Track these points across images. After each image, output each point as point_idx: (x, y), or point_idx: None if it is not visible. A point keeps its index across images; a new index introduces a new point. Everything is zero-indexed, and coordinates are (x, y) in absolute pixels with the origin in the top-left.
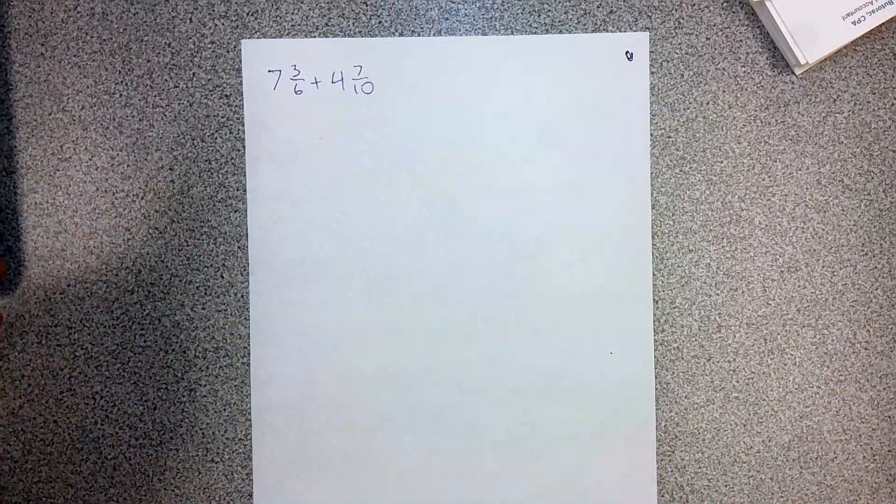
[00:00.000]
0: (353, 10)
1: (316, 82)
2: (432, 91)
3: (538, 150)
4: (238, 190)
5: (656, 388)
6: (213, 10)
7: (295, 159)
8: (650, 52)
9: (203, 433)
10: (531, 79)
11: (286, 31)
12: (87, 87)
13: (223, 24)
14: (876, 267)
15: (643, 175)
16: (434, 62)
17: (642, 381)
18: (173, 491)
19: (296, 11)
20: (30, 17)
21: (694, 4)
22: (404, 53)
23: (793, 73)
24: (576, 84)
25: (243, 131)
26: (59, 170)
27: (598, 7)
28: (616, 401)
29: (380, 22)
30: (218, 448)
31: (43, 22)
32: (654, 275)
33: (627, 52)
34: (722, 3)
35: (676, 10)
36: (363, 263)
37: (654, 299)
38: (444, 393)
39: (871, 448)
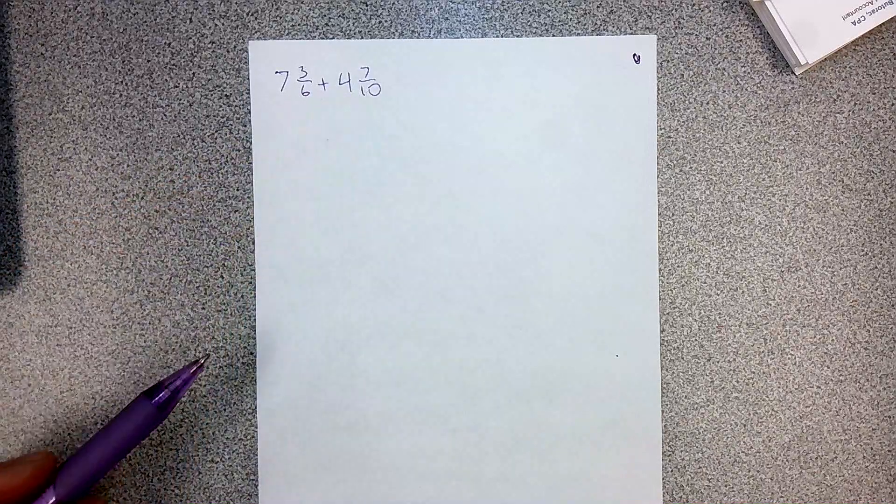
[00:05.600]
0: (353, 11)
1: (323, 84)
2: (440, 93)
3: (545, 152)
4: (238, 190)
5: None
6: (214, 10)
7: (301, 161)
8: None
9: (203, 433)
10: (539, 81)
11: (286, 32)
12: (87, 87)
13: (223, 24)
14: (876, 267)
15: (650, 177)
16: (443, 64)
17: (647, 384)
18: (173, 491)
19: (296, 11)
20: (30, 17)
21: (694, 5)
22: (412, 55)
23: (793, 73)
24: (582, 86)
25: (244, 131)
26: (59, 170)
27: (598, 7)
28: (621, 403)
29: (380, 22)
30: (218, 448)
31: (43, 22)
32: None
33: (634, 54)
34: (722, 4)
35: (676, 11)
36: (369, 264)
37: None
38: (450, 394)
39: (871, 448)
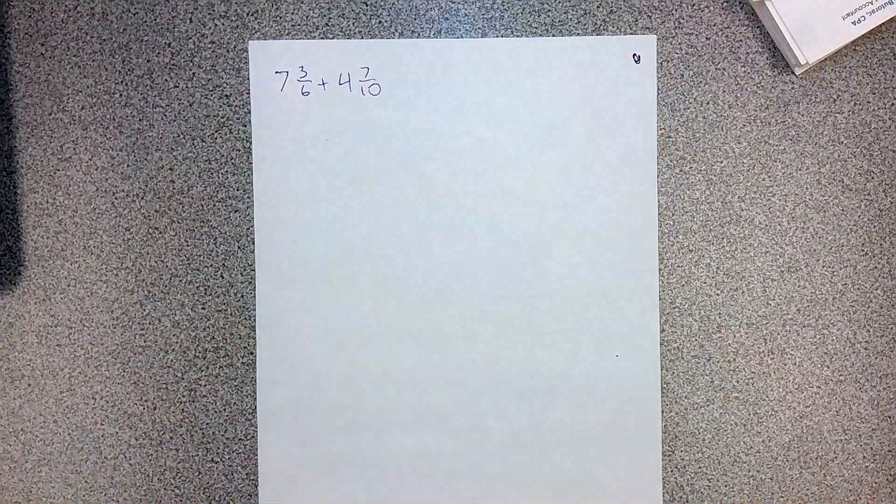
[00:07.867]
0: (352, 10)
1: (323, 84)
2: (440, 93)
3: (545, 151)
4: (238, 190)
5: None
6: (214, 11)
7: (301, 160)
8: None
9: (203, 433)
10: (539, 81)
11: (286, 32)
12: (87, 87)
13: (223, 25)
14: (876, 267)
15: (650, 177)
16: (443, 64)
17: (648, 384)
18: (173, 491)
19: (296, 11)
20: (30, 17)
21: (694, 5)
22: (412, 55)
23: (793, 73)
24: (583, 86)
25: (243, 131)
26: (59, 170)
27: (598, 7)
28: (621, 403)
29: (380, 22)
30: (218, 448)
31: (43, 22)
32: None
33: (635, 54)
34: (722, 4)
35: (677, 11)
36: (369, 264)
37: None
38: (450, 393)
39: (871, 448)
